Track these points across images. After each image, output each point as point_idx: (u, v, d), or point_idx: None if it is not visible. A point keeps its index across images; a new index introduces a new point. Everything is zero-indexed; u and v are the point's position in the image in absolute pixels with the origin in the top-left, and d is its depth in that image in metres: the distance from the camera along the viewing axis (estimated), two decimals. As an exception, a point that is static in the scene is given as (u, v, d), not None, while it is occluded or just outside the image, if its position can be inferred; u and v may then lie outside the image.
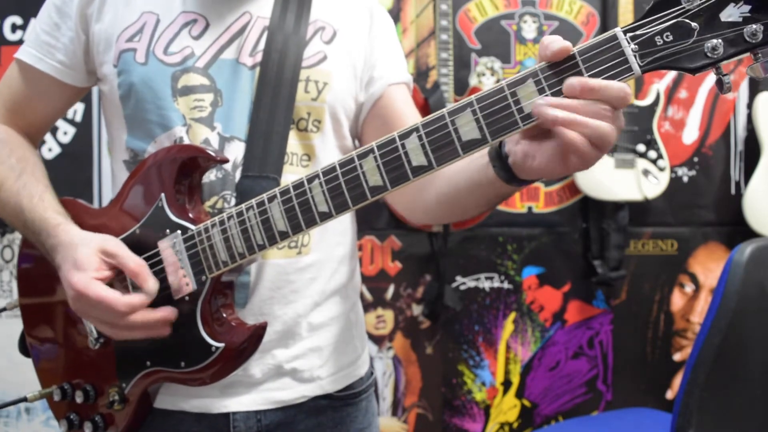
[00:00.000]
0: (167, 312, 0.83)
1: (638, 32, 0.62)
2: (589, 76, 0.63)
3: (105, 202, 2.19)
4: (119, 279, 0.85)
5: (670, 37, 0.61)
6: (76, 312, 0.84)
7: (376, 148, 0.72)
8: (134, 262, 0.82)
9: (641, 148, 2.16)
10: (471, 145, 0.68)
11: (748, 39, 0.59)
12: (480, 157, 0.77)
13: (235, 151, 0.90)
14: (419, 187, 0.92)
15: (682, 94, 2.29)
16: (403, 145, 0.71)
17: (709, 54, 0.60)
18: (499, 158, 0.74)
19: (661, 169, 2.17)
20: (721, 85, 0.62)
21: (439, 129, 0.69)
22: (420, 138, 0.70)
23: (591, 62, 0.63)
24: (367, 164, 0.73)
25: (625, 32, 0.62)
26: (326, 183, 0.75)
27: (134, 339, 0.85)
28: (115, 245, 0.84)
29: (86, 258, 0.81)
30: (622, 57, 0.62)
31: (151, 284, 0.82)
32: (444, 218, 0.99)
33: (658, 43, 0.61)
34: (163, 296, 0.85)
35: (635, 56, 0.62)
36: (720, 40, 0.60)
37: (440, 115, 0.69)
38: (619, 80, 0.63)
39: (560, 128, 0.64)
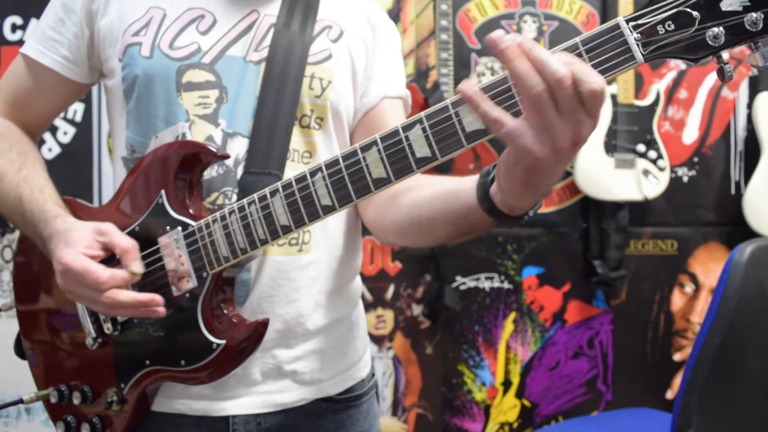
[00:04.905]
0: (153, 296, 0.82)
1: (640, 21, 0.62)
2: (592, 65, 0.63)
3: (105, 202, 2.18)
4: (112, 264, 0.85)
5: (672, 26, 0.61)
6: (64, 289, 0.83)
7: (379, 140, 0.72)
8: (126, 241, 0.82)
9: (641, 148, 2.16)
10: (475, 136, 0.67)
11: (748, 27, 0.59)
12: (467, 191, 0.77)
13: (238, 147, 0.90)
14: (393, 201, 0.91)
15: (682, 94, 2.29)
16: (407, 137, 0.70)
17: (710, 42, 0.60)
18: (486, 187, 0.74)
19: (661, 169, 2.17)
20: (722, 74, 0.62)
21: (442, 120, 0.68)
22: (424, 129, 0.69)
23: (594, 51, 0.63)
24: (371, 156, 0.72)
25: (627, 21, 0.62)
26: (329, 176, 0.75)
27: (133, 339, 0.84)
28: (108, 225, 0.84)
29: (78, 236, 0.82)
30: (624, 46, 0.62)
31: (137, 267, 0.82)
32: (411, 237, 0.92)
33: (660, 32, 0.61)
34: (164, 293, 0.85)
35: (638, 45, 0.62)
36: (721, 29, 0.60)
37: (443, 106, 0.68)
38: (623, 68, 0.63)
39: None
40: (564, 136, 0.61)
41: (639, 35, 0.62)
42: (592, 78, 0.60)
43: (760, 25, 0.59)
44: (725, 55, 0.62)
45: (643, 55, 0.62)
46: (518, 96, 0.64)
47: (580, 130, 0.62)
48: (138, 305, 0.81)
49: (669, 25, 0.61)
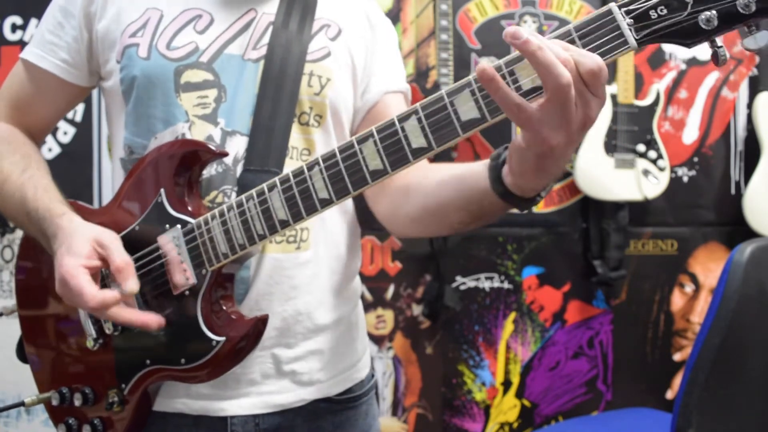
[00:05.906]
0: (150, 318, 0.81)
1: (632, 6, 0.63)
2: (586, 51, 0.63)
3: (105, 203, 2.18)
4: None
5: (665, 11, 0.62)
6: (60, 295, 0.82)
7: (375, 132, 0.73)
8: (121, 258, 0.81)
9: (641, 148, 2.16)
10: (471, 125, 0.68)
11: (741, 10, 0.60)
12: (478, 175, 0.78)
13: (237, 146, 0.90)
14: (405, 191, 0.92)
15: (682, 94, 2.29)
16: (402, 128, 0.71)
17: (703, 26, 0.61)
18: (497, 170, 0.75)
19: (661, 169, 2.17)
20: (717, 58, 0.63)
21: (438, 110, 0.69)
22: (419, 120, 0.70)
23: (587, 37, 0.63)
24: (367, 148, 0.73)
25: (620, 7, 0.63)
26: (326, 169, 0.75)
27: (134, 339, 0.84)
28: (110, 238, 0.83)
29: (80, 245, 0.81)
30: (617, 31, 0.63)
31: (131, 285, 0.80)
32: (425, 227, 0.94)
33: (653, 17, 0.62)
34: (164, 291, 0.85)
35: (631, 30, 0.62)
36: (714, 12, 0.60)
37: (439, 96, 0.69)
38: (616, 53, 0.63)
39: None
40: (576, 120, 0.63)
41: (632, 20, 0.62)
42: (586, 58, 0.61)
43: (753, 8, 0.59)
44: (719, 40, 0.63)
45: (636, 39, 0.63)
46: (513, 85, 0.65)
47: (589, 111, 0.63)
48: (131, 325, 0.82)
49: (661, 10, 0.62)
